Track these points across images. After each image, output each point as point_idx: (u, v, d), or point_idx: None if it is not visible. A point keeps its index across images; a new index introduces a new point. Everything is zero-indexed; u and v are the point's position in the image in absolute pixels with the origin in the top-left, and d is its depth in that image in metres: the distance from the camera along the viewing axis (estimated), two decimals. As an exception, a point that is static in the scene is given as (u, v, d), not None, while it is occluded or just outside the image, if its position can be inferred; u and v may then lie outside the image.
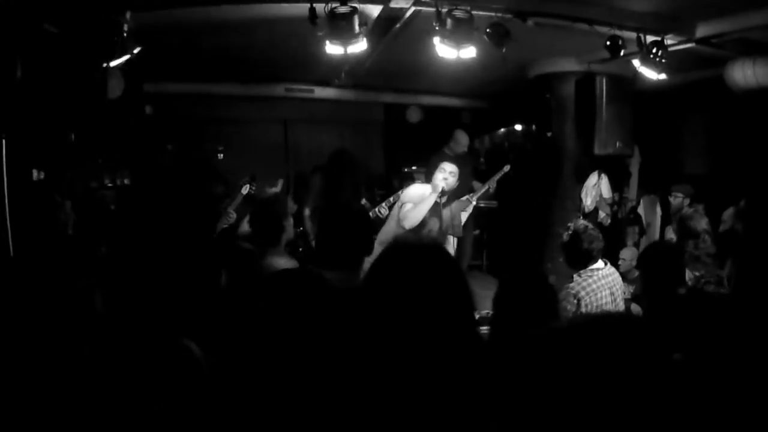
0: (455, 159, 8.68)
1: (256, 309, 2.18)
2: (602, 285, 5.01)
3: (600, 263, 5.15)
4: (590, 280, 5.00)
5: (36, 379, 2.90)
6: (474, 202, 8.21)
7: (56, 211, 4.59)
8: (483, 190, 8.53)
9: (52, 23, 4.92)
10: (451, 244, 7.79)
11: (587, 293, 4.92)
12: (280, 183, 6.30)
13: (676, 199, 7.88)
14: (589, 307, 4.88)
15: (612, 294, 5.06)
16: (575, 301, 4.89)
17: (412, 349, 2.09)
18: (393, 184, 11.12)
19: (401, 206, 6.51)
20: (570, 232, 5.24)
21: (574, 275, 5.12)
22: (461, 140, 9.11)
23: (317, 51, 5.81)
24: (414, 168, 11.05)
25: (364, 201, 8.25)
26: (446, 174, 6.52)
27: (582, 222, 5.51)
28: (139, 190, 7.29)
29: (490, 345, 3.14)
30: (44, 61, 4.98)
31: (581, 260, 5.14)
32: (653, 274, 4.29)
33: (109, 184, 9.28)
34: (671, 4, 6.11)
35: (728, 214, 7.47)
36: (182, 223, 2.97)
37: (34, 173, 5.50)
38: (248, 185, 7.51)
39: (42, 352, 2.99)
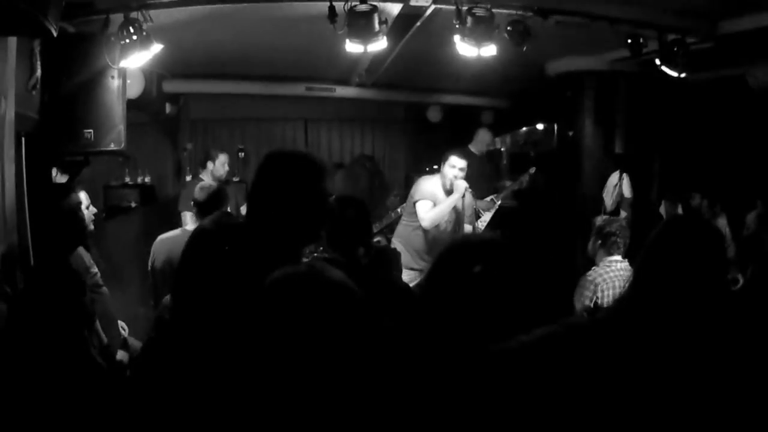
0: (478, 157, 8.67)
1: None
2: (620, 276, 5.08)
3: (619, 257, 5.21)
4: (608, 269, 5.11)
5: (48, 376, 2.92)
6: (498, 203, 8.20)
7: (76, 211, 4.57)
8: (513, 189, 8.53)
9: (69, 23, 4.94)
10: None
11: (604, 280, 5.03)
12: None
13: (694, 201, 7.82)
14: (605, 293, 4.95)
15: None
16: (593, 288, 5.01)
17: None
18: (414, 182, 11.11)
19: (414, 203, 6.52)
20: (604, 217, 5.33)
21: (594, 267, 5.21)
22: (485, 139, 9.02)
23: (337, 50, 5.81)
24: (435, 167, 11.00)
25: (391, 198, 8.21)
26: (456, 171, 6.47)
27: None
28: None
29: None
30: (63, 60, 5.01)
31: (606, 245, 5.25)
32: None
33: (130, 183, 9.35)
34: (693, 2, 6.06)
35: (752, 217, 7.40)
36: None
37: (55, 175, 5.54)
38: None
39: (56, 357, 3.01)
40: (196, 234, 2.87)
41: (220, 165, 7.64)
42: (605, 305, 4.96)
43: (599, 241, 5.29)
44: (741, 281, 6.39)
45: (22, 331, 3.05)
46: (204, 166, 7.70)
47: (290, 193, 2.86)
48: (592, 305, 4.98)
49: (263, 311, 2.01)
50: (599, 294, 4.99)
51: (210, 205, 5.12)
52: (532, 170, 8.56)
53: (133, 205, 8.89)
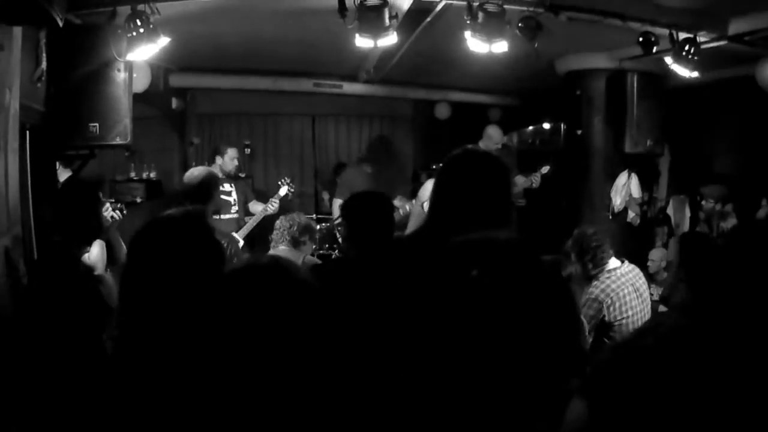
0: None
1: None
2: (623, 283, 4.87)
3: (616, 262, 5.01)
4: (608, 281, 4.87)
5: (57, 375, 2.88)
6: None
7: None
8: (524, 187, 8.49)
9: (75, 14, 4.91)
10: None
11: (607, 295, 4.80)
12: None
13: (708, 204, 7.69)
14: (614, 307, 4.77)
15: (636, 290, 4.91)
16: (597, 305, 4.80)
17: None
18: (421, 180, 11.05)
19: (422, 204, 6.46)
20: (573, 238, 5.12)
21: (593, 280, 4.98)
22: (494, 136, 8.84)
23: (346, 45, 5.77)
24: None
25: (398, 198, 8.16)
26: None
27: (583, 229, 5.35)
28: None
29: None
30: (69, 52, 4.98)
31: (594, 262, 5.03)
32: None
33: (136, 178, 9.32)
34: (704, 0, 6.01)
35: (761, 215, 7.34)
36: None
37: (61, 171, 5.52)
38: (287, 186, 7.56)
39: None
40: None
41: (229, 160, 7.59)
42: (615, 320, 4.78)
43: (584, 260, 5.03)
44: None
45: (32, 325, 3.02)
46: (213, 161, 7.65)
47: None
48: (599, 324, 4.80)
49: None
50: (606, 311, 4.79)
51: (201, 193, 5.01)
52: (545, 170, 8.50)
53: (139, 200, 8.86)
